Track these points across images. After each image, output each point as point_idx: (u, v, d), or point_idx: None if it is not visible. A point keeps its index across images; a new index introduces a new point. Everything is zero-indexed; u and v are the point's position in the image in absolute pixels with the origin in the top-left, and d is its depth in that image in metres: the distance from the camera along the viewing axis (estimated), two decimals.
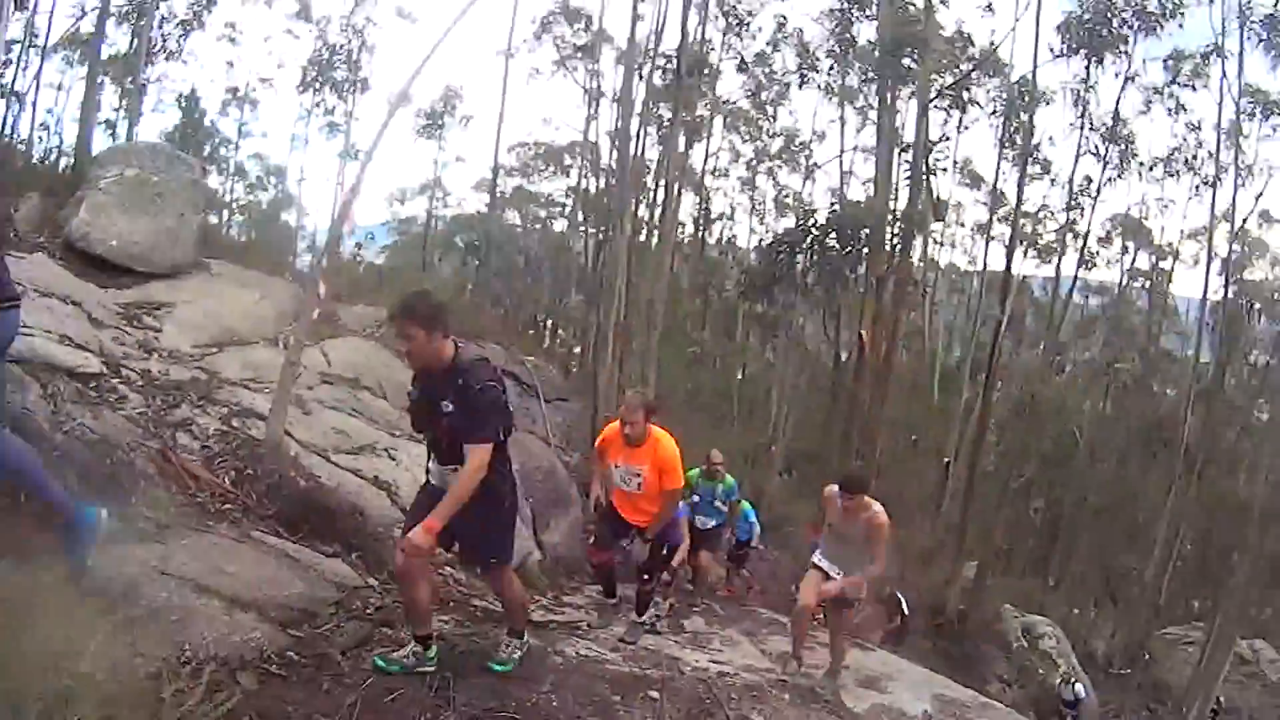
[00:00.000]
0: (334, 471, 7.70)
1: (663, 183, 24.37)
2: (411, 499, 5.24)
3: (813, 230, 20.03)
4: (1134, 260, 36.34)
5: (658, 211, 24.74)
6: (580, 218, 37.00)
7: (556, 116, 65.55)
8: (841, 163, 33.18)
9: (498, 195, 34.25)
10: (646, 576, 7.34)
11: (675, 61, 21.15)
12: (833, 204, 28.52)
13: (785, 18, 31.31)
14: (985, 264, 34.37)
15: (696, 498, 9.92)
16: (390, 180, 76.84)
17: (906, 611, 12.88)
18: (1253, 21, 23.97)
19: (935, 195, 24.31)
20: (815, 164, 36.27)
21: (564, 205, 40.36)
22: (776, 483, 21.51)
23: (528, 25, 40.04)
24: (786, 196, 38.01)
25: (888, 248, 19.67)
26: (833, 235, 19.67)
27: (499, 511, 4.73)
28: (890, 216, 20.17)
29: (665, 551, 8.07)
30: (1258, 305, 32.50)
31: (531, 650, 5.37)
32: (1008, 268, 22.91)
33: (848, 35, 26.79)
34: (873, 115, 26.01)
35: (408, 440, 8.66)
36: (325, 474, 7.52)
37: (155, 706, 3.61)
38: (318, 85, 33.74)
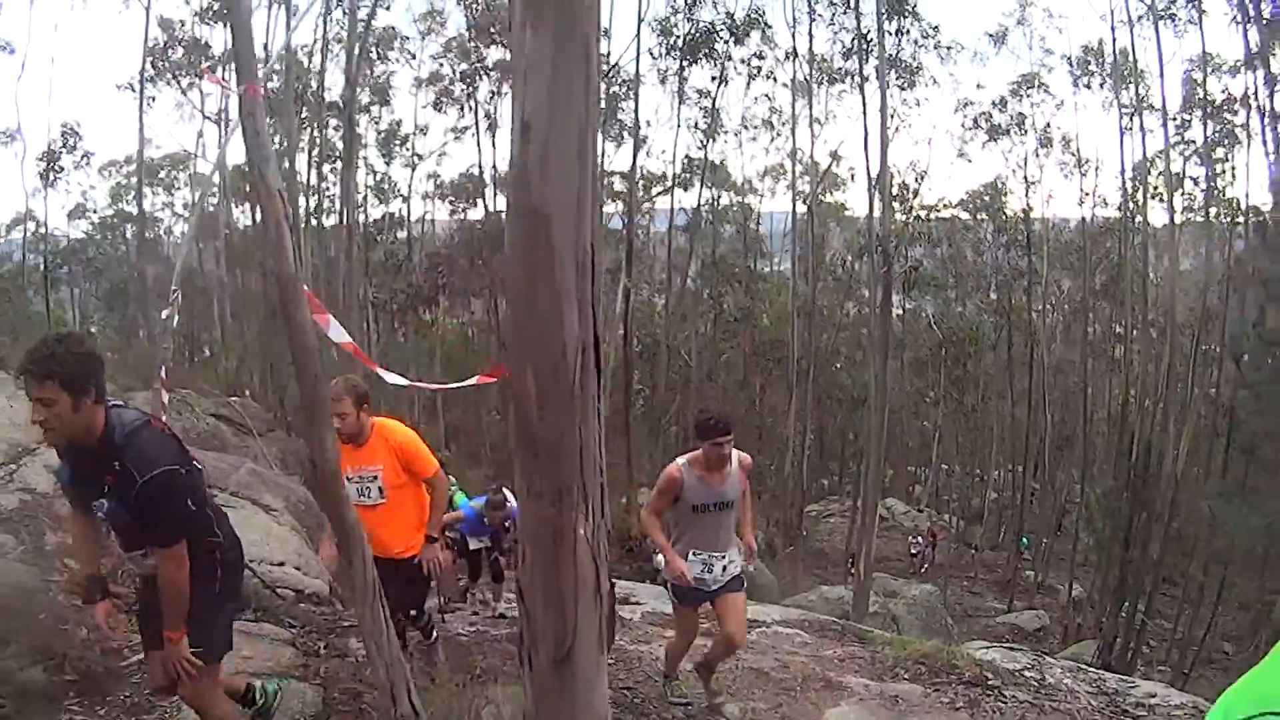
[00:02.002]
0: None
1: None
2: None
3: (475, 240, 22.03)
4: (717, 198, 40.44)
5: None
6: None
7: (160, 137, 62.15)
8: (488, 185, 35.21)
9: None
10: (415, 613, 5.65)
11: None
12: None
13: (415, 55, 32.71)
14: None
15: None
16: None
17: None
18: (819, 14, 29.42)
19: None
20: None
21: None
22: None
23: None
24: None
25: None
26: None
27: (211, 588, 3.61)
28: None
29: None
30: (833, 223, 37.96)
31: None
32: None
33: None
34: None
35: None
36: None
37: None
38: None
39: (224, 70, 29.30)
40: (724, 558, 5.30)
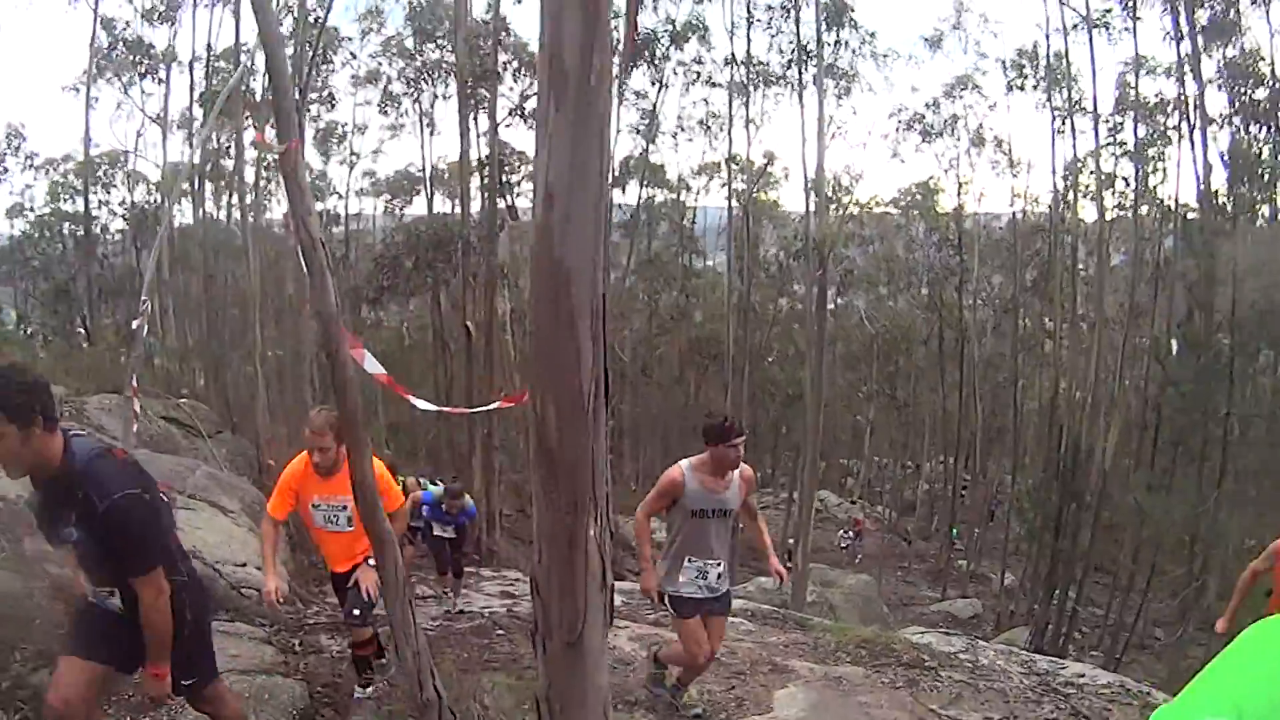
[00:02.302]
0: None
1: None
2: None
3: (418, 241, 22.25)
4: (653, 197, 40.81)
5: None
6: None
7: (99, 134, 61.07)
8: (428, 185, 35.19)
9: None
10: (357, 613, 5.47)
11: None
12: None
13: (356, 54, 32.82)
14: None
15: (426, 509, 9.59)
16: None
17: None
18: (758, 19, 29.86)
19: (511, 201, 27.29)
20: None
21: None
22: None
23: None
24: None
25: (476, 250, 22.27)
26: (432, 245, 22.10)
27: (182, 628, 3.45)
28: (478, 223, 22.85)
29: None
30: (767, 220, 38.53)
31: None
32: None
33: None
34: None
35: None
36: None
37: None
38: None
39: (168, 70, 29.26)
40: (719, 565, 5.32)
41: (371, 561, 5.05)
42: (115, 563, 3.27)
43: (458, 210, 27.72)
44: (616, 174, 35.59)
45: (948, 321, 37.54)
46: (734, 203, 33.68)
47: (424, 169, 35.70)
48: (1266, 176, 24.56)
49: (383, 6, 30.88)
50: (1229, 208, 24.00)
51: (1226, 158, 24.52)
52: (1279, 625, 0.99)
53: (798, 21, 28.94)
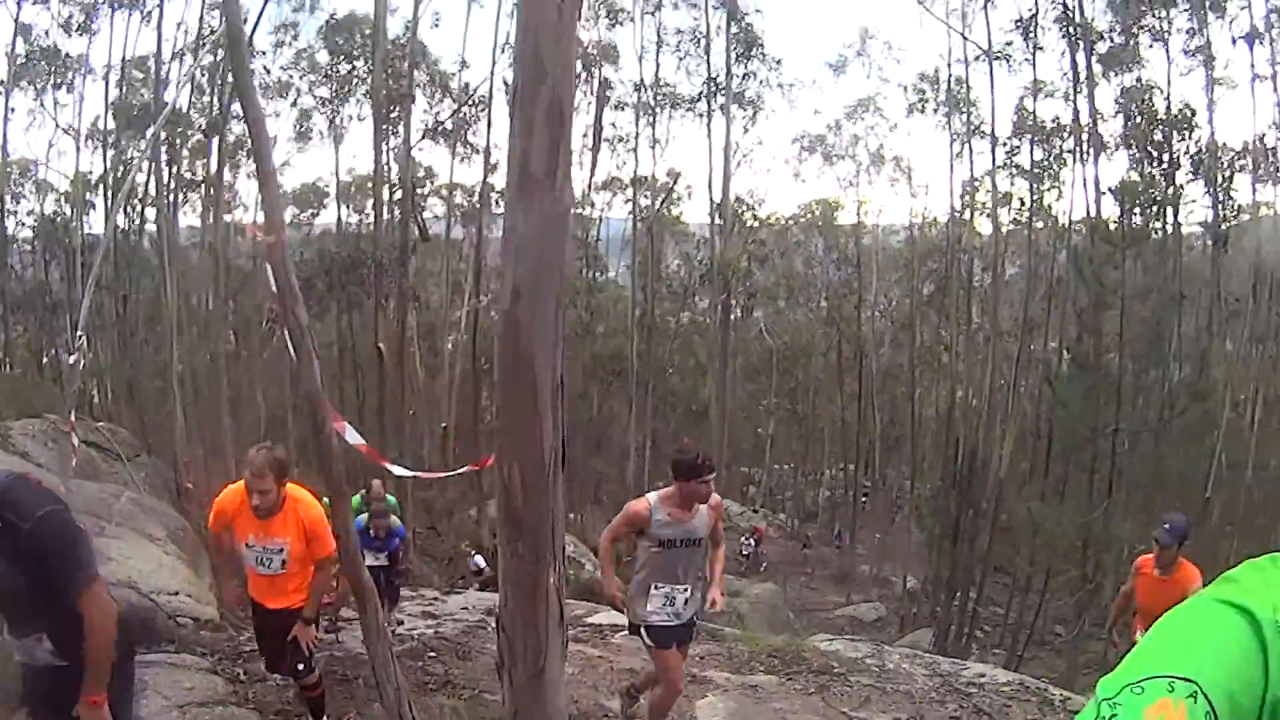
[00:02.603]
0: None
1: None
2: None
3: (332, 263, 22.43)
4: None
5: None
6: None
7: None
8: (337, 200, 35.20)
9: None
10: (301, 666, 5.32)
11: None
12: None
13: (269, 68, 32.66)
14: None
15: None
16: None
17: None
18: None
19: (422, 222, 27.51)
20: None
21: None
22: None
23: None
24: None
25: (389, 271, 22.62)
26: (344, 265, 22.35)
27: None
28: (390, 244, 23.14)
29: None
30: (669, 236, 39.15)
31: None
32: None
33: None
34: None
35: None
36: None
37: None
38: None
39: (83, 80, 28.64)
40: (686, 591, 5.32)
41: (307, 614, 5.06)
42: (48, 589, 2.91)
43: (367, 223, 28.02)
44: None
45: (846, 335, 38.53)
46: (638, 220, 34.21)
47: (334, 183, 35.49)
48: (1154, 208, 25.92)
49: (297, 19, 30.32)
50: (1120, 235, 25.20)
51: (1117, 190, 25.84)
52: (1206, 610, 1.01)
53: (708, 51, 29.82)
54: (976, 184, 32.44)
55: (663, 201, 34.09)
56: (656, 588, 5.25)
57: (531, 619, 3.03)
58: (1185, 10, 27.12)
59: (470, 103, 29.57)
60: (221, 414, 19.97)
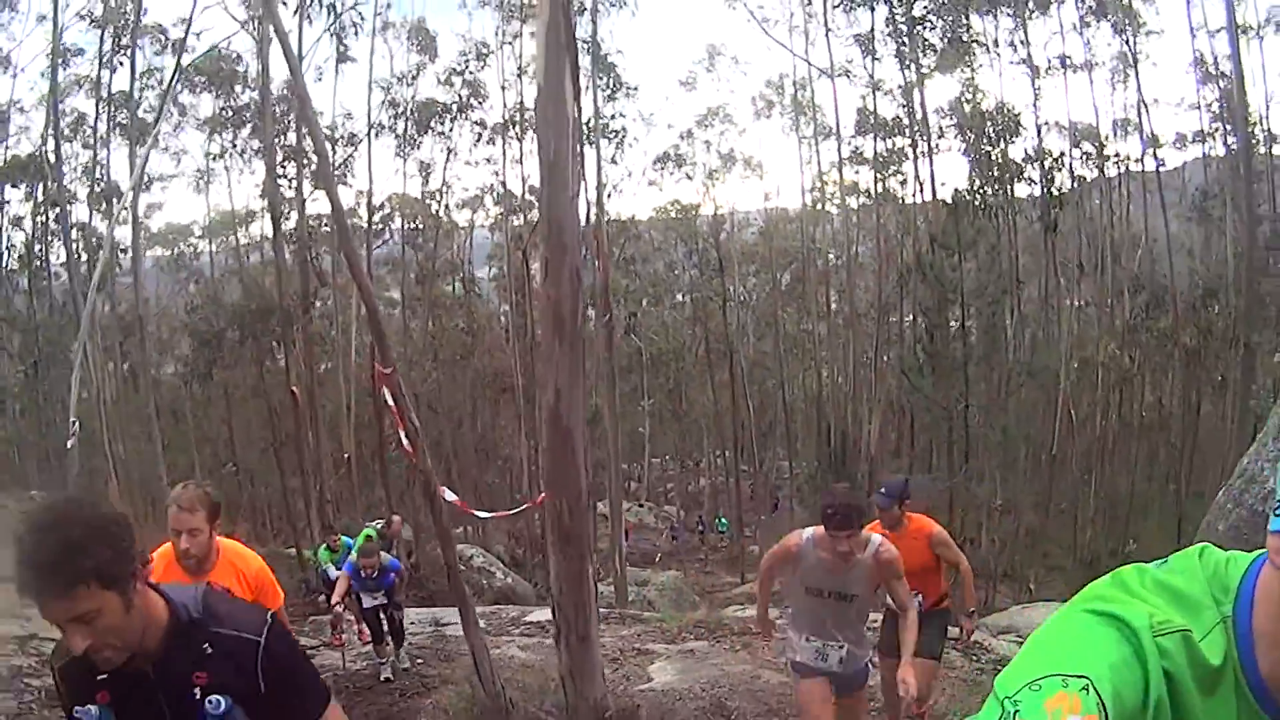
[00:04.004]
0: None
1: None
2: None
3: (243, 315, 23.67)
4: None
5: None
6: None
7: None
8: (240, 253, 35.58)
9: None
10: None
11: None
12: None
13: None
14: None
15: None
16: None
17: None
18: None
19: (317, 269, 28.56)
20: None
21: None
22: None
23: None
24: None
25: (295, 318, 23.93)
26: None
27: None
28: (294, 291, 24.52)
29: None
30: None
31: None
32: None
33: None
34: None
35: None
36: None
37: None
38: None
39: None
40: (841, 648, 4.65)
41: None
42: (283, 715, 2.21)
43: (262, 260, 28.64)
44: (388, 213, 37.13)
45: (712, 331, 40.43)
46: (506, 238, 35.59)
47: (203, 221, 35.99)
48: (985, 213, 28.61)
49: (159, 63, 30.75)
50: (956, 240, 27.80)
51: (950, 201, 28.43)
52: (1081, 621, 1.05)
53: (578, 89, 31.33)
54: (825, 177, 34.95)
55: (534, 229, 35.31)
56: (808, 640, 4.71)
57: (578, 600, 4.59)
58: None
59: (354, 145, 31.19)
60: (158, 473, 20.50)
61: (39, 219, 27.96)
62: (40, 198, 27.53)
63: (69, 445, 9.40)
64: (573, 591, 4.59)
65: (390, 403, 5.32)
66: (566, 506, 4.44)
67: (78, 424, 9.13)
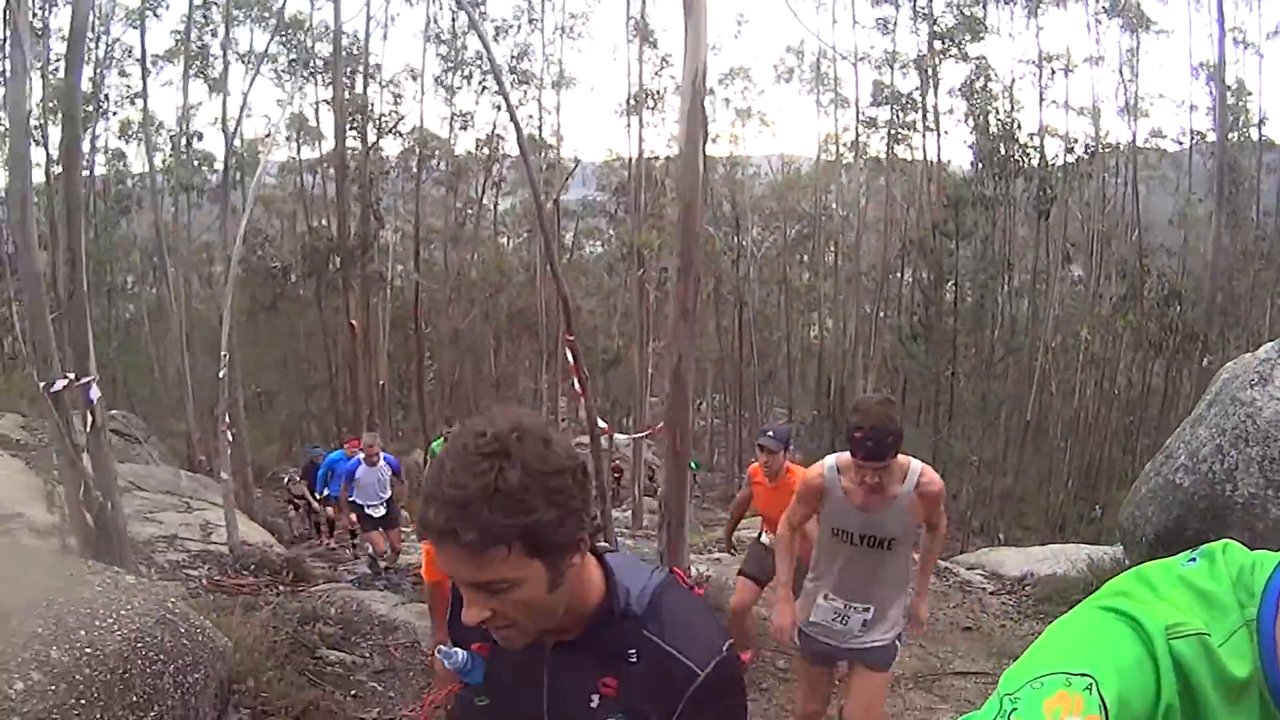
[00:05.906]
0: None
1: None
2: None
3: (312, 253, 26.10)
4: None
5: None
6: None
7: None
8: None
9: None
10: None
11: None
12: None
13: None
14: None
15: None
16: None
17: None
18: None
19: (376, 215, 30.54)
20: None
21: None
22: None
23: None
24: None
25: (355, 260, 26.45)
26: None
27: None
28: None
29: None
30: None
31: None
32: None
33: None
34: None
35: None
36: None
37: None
38: None
39: None
40: (867, 611, 3.83)
41: None
42: None
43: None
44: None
45: (722, 280, 42.27)
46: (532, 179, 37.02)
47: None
48: (983, 205, 30.59)
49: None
50: (954, 230, 29.85)
51: (950, 195, 30.52)
52: (1097, 618, 1.01)
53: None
54: (838, 139, 36.83)
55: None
56: (827, 598, 3.89)
57: (678, 497, 6.69)
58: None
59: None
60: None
61: None
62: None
63: (220, 375, 10.13)
64: (675, 492, 6.68)
65: (571, 359, 7.46)
66: (679, 434, 6.51)
67: (227, 356, 10.04)
